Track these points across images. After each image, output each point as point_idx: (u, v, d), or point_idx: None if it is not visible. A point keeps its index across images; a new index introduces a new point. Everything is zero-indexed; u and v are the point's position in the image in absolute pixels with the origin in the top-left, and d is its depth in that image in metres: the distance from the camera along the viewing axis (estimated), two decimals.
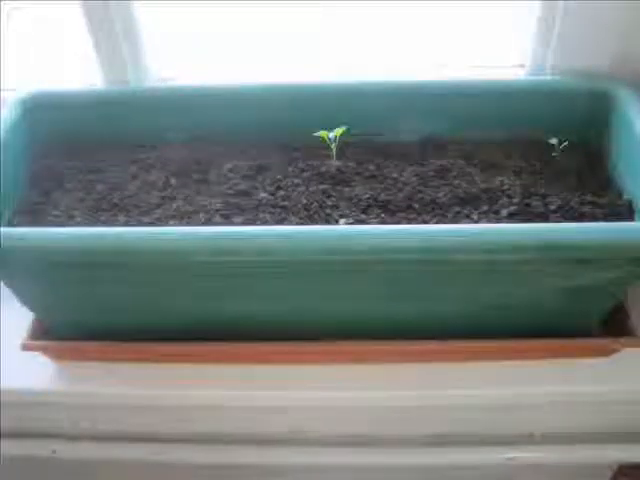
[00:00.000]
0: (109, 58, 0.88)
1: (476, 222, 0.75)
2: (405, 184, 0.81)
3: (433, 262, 0.67)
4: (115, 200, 0.81)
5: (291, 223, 0.75)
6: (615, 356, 0.81)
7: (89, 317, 0.79)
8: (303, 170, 0.83)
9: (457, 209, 0.77)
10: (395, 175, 0.83)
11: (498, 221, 0.75)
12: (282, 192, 0.80)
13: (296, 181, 0.82)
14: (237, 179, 0.83)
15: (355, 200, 0.79)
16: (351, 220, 0.75)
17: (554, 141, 0.84)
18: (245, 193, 0.80)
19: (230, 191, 0.81)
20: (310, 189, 0.80)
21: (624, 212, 0.76)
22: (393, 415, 0.90)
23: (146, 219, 0.78)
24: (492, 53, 0.95)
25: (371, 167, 0.84)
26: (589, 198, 0.78)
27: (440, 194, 0.79)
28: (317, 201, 0.78)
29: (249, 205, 0.78)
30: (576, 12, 0.82)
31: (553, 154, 0.84)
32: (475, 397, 0.82)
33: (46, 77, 0.97)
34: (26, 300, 0.78)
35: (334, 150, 0.83)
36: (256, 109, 0.87)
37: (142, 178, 0.84)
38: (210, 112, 0.88)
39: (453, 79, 0.88)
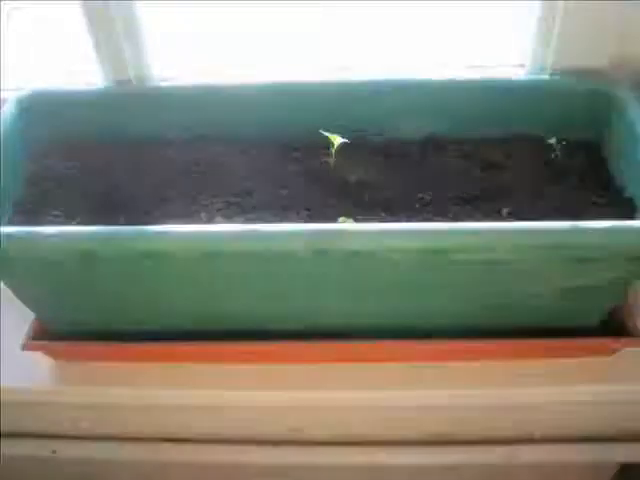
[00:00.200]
0: (109, 57, 0.88)
1: (476, 221, 0.75)
2: (405, 183, 0.81)
3: (432, 261, 0.67)
4: (115, 200, 0.81)
5: (292, 222, 0.75)
6: (615, 356, 0.81)
7: (89, 317, 0.79)
8: (303, 169, 0.83)
9: (457, 208, 0.77)
10: (395, 174, 0.83)
11: (499, 220, 0.75)
12: (283, 191, 0.80)
13: (297, 180, 0.82)
14: (237, 178, 0.83)
15: (355, 199, 0.79)
16: (351, 219, 0.75)
17: (554, 140, 0.84)
18: (246, 192, 0.80)
19: (231, 190, 0.81)
20: (310, 188, 0.80)
21: (624, 211, 0.76)
22: (393, 415, 0.90)
23: (146, 219, 0.78)
24: (492, 53, 0.95)
25: (371, 166, 0.84)
26: (589, 197, 0.78)
27: (440, 193, 0.79)
28: (318, 200, 0.78)
29: (250, 204, 0.78)
30: (576, 12, 0.82)
31: (553, 154, 0.84)
32: (475, 397, 0.81)
33: (46, 77, 0.97)
34: (26, 300, 0.78)
35: (332, 149, 0.83)
36: (257, 109, 0.87)
37: (142, 177, 0.84)
38: (210, 112, 0.88)
39: (453, 78, 0.87)
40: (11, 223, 0.79)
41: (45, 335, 0.81)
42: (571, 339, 0.78)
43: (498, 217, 0.75)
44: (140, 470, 1.02)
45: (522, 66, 0.91)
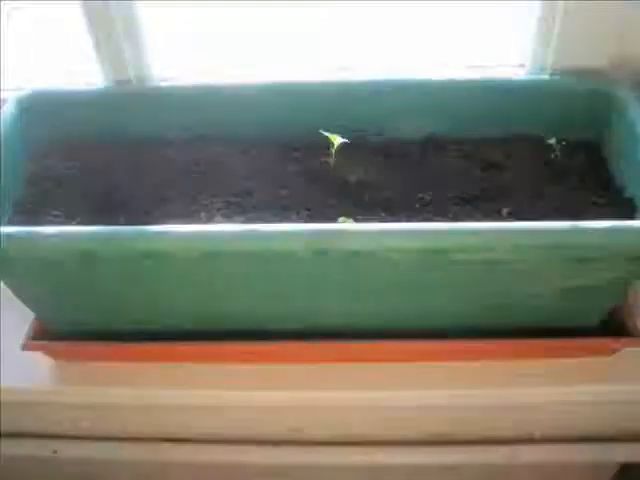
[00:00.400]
0: (109, 57, 0.88)
1: (476, 221, 0.75)
2: (405, 183, 0.81)
3: (432, 261, 0.67)
4: (115, 200, 0.81)
5: (292, 222, 0.75)
6: (615, 356, 0.81)
7: (89, 317, 0.79)
8: (304, 169, 0.83)
9: (457, 208, 0.77)
10: (395, 174, 0.83)
11: (499, 220, 0.75)
12: (283, 191, 0.80)
13: (297, 180, 0.82)
14: (238, 178, 0.83)
15: (355, 199, 0.79)
16: (351, 219, 0.75)
17: (554, 140, 0.84)
18: (246, 192, 0.81)
19: (231, 190, 0.81)
20: (311, 188, 0.80)
21: (624, 211, 0.76)
22: (393, 415, 0.90)
23: (146, 219, 0.78)
24: (492, 53, 0.95)
25: (371, 166, 0.84)
26: (589, 197, 0.78)
27: (440, 193, 0.79)
28: (318, 200, 0.78)
29: (250, 204, 0.78)
30: (576, 12, 0.82)
31: (553, 154, 0.84)
32: (475, 397, 0.81)
33: (46, 77, 0.97)
34: (26, 300, 0.78)
35: (331, 149, 0.83)
36: (257, 109, 0.87)
37: (142, 177, 0.84)
38: (210, 112, 0.88)
39: (453, 78, 0.87)
40: (11, 223, 0.79)
41: (45, 335, 0.81)
42: (571, 339, 0.78)
43: (498, 217, 0.75)
44: (140, 470, 1.02)
45: (522, 66, 0.91)
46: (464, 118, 0.87)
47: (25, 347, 0.79)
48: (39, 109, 0.87)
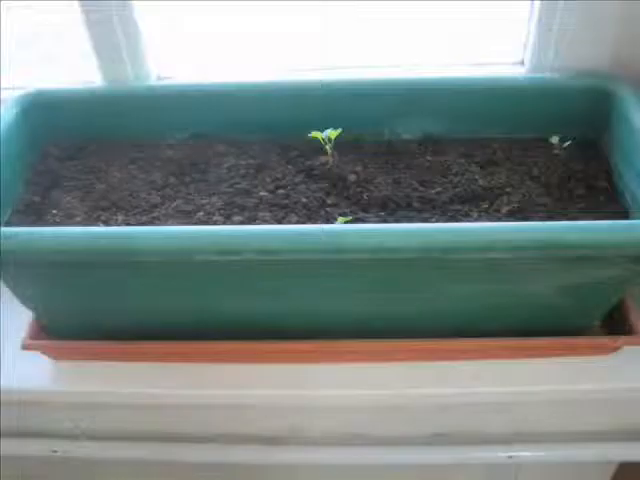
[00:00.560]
0: (109, 57, 0.88)
1: (476, 220, 0.75)
2: (405, 182, 0.81)
3: (432, 261, 0.67)
4: (115, 199, 0.81)
5: (291, 222, 0.75)
6: (615, 355, 0.81)
7: (89, 317, 0.79)
8: (303, 169, 0.83)
9: (457, 207, 0.77)
10: (395, 173, 0.83)
11: (498, 219, 0.75)
12: (282, 191, 0.80)
13: (296, 180, 0.82)
14: (237, 178, 0.83)
15: (355, 199, 0.79)
16: (351, 219, 0.75)
17: (554, 139, 0.84)
18: (245, 192, 0.80)
19: (230, 190, 0.81)
20: (310, 188, 0.80)
21: (624, 210, 0.76)
22: (393, 414, 0.90)
23: (146, 218, 0.78)
24: (492, 52, 0.95)
25: (370, 165, 0.84)
26: (589, 196, 0.78)
27: (440, 192, 0.79)
28: (317, 200, 0.78)
29: (249, 204, 0.78)
30: (576, 11, 0.82)
31: (553, 152, 0.84)
32: (475, 396, 0.81)
33: (46, 77, 0.97)
34: (26, 300, 0.78)
35: (330, 149, 0.83)
36: (256, 108, 0.87)
37: (142, 177, 0.84)
38: (210, 111, 0.88)
39: (453, 77, 0.87)
40: (11, 223, 0.79)
41: (45, 335, 0.81)
42: (571, 338, 0.78)
43: (498, 217, 0.75)
44: (140, 470, 1.02)
45: (522, 64, 0.91)
46: (464, 117, 0.87)
47: (25, 347, 0.79)
48: (39, 109, 0.87)
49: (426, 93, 0.86)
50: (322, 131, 0.82)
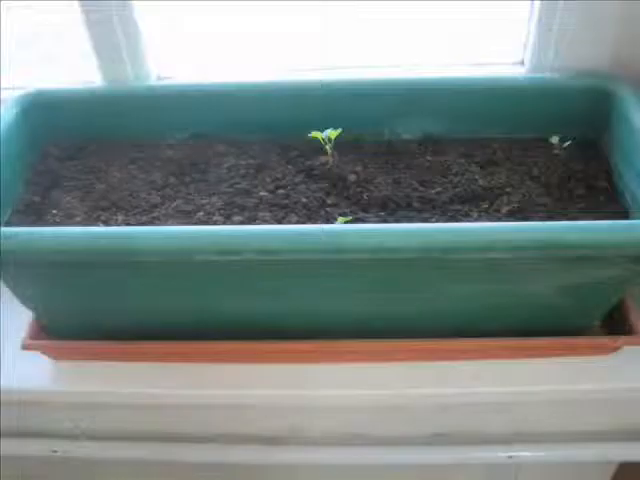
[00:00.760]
0: (109, 57, 0.88)
1: (476, 220, 0.75)
2: (405, 182, 0.81)
3: (432, 261, 0.67)
4: (114, 199, 0.81)
5: (291, 222, 0.75)
6: (615, 355, 0.81)
7: (89, 317, 0.79)
8: (303, 169, 0.83)
9: (457, 207, 0.77)
10: (395, 173, 0.83)
11: (498, 219, 0.75)
12: (282, 191, 0.80)
13: (296, 180, 0.82)
14: (237, 178, 0.83)
15: (355, 199, 0.79)
16: (351, 219, 0.75)
17: (554, 139, 0.84)
18: (245, 192, 0.81)
19: (230, 190, 0.81)
20: (310, 188, 0.80)
21: (624, 210, 0.76)
22: (393, 414, 0.90)
23: (146, 218, 0.78)
24: (492, 52, 0.95)
25: (371, 165, 0.84)
26: (589, 196, 0.78)
27: (440, 192, 0.79)
28: (317, 200, 0.78)
29: (249, 204, 0.78)
30: (576, 11, 0.82)
31: (553, 152, 0.84)
32: (475, 396, 0.81)
33: (46, 77, 0.97)
34: (26, 300, 0.78)
35: (330, 149, 0.83)
36: (256, 108, 0.87)
37: (141, 177, 0.84)
38: (210, 111, 0.88)
39: (453, 77, 0.87)
40: (11, 223, 0.79)
41: (45, 335, 0.81)
42: (571, 338, 0.78)
43: (498, 217, 0.75)
44: (140, 470, 1.02)
45: (522, 64, 0.91)
46: (464, 117, 0.87)
47: (25, 347, 0.79)
48: (39, 109, 0.87)
49: (426, 93, 0.86)
50: (322, 131, 0.82)
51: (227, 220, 0.76)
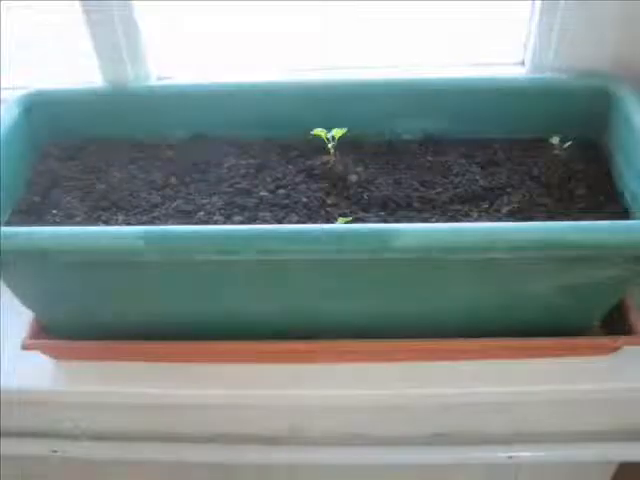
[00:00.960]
0: (109, 57, 0.88)
1: (476, 220, 0.75)
2: (405, 182, 0.81)
3: (432, 261, 0.67)
4: (115, 199, 0.81)
5: (291, 222, 0.75)
6: (615, 355, 0.81)
7: (89, 316, 0.79)
8: (303, 169, 0.83)
9: (457, 207, 0.77)
10: (395, 173, 0.83)
11: (498, 219, 0.75)
12: (282, 191, 0.80)
13: (296, 179, 0.82)
14: (237, 178, 0.83)
15: (355, 199, 0.79)
16: (351, 219, 0.75)
17: (554, 139, 0.84)
18: (245, 192, 0.81)
19: (230, 190, 0.81)
20: (310, 188, 0.80)
21: (624, 210, 0.76)
22: (393, 414, 0.90)
23: (146, 218, 0.78)
24: (492, 51, 0.95)
25: (371, 165, 0.84)
26: (589, 197, 0.78)
27: (440, 193, 0.79)
28: (317, 200, 0.79)
29: (249, 204, 0.78)
30: (576, 11, 0.82)
31: (553, 152, 0.84)
32: (475, 396, 0.81)
33: (46, 77, 0.97)
34: (26, 299, 0.78)
35: (332, 149, 0.83)
36: (256, 108, 0.87)
37: (142, 177, 0.84)
38: (210, 111, 0.88)
39: (453, 77, 0.87)
40: (11, 223, 0.79)
41: (45, 335, 0.81)
42: (571, 338, 0.78)
43: (498, 217, 0.75)
44: (140, 470, 1.02)
45: (522, 64, 0.91)
46: (464, 116, 0.87)
47: (25, 346, 0.79)
48: (39, 109, 0.87)
49: (426, 93, 0.86)
50: (322, 131, 0.82)
51: (227, 220, 0.76)
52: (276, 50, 0.97)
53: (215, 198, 0.80)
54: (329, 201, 0.78)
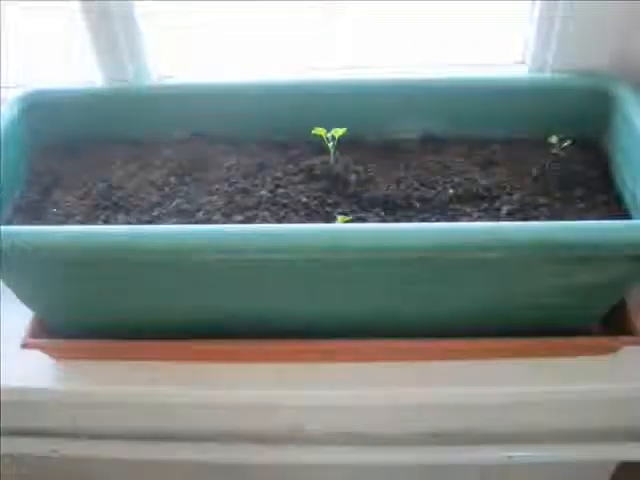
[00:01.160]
0: (109, 57, 0.88)
1: (476, 220, 0.75)
2: (405, 182, 0.81)
3: (432, 261, 0.67)
4: (115, 199, 0.81)
5: (291, 221, 0.75)
6: (615, 355, 0.81)
7: (89, 315, 0.79)
8: (303, 168, 0.83)
9: (457, 207, 0.77)
10: (395, 173, 0.83)
11: (498, 219, 0.75)
12: (282, 190, 0.80)
13: (296, 179, 0.82)
14: (237, 177, 0.83)
15: (355, 198, 0.79)
16: (350, 219, 0.75)
17: (554, 139, 0.84)
18: (245, 191, 0.81)
19: (230, 189, 0.81)
20: (310, 187, 0.80)
21: (624, 210, 0.76)
22: (393, 414, 0.90)
23: (146, 217, 0.78)
24: (492, 51, 0.95)
25: (371, 165, 0.84)
26: (589, 196, 0.78)
27: (440, 192, 0.79)
28: (317, 199, 0.79)
29: (249, 203, 0.78)
30: (576, 11, 0.82)
31: (553, 152, 0.84)
32: (475, 396, 0.81)
33: (46, 77, 0.97)
34: (26, 299, 0.78)
35: (332, 149, 0.83)
36: (256, 107, 0.87)
37: (142, 176, 0.84)
38: (210, 110, 0.88)
39: (453, 77, 0.87)
40: (11, 222, 0.79)
41: (45, 334, 0.81)
42: (571, 338, 0.78)
43: (497, 217, 0.75)
44: (140, 470, 1.02)
45: (523, 64, 0.91)
46: (464, 116, 0.87)
47: (25, 346, 0.79)
48: (39, 109, 0.87)
49: (426, 93, 0.86)
50: (322, 131, 0.82)
51: (227, 219, 0.76)
52: (276, 50, 0.97)
53: (215, 197, 0.80)
54: (329, 200, 0.79)
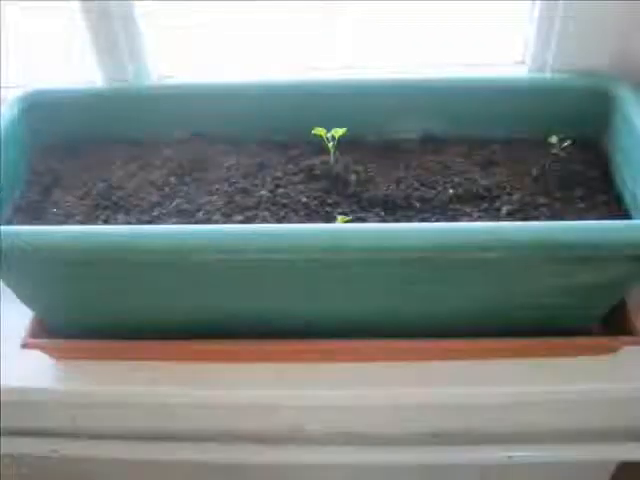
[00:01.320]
0: (109, 57, 0.88)
1: (476, 220, 0.75)
2: (405, 182, 0.81)
3: (432, 261, 0.67)
4: (115, 198, 0.81)
5: (291, 221, 0.75)
6: (615, 355, 0.81)
7: (89, 315, 0.79)
8: (303, 168, 0.83)
9: (457, 207, 0.77)
10: (395, 173, 0.83)
11: (498, 219, 0.75)
12: (282, 190, 0.80)
13: (296, 179, 0.82)
14: (237, 177, 0.83)
15: (355, 198, 0.79)
16: (351, 219, 0.75)
17: (554, 139, 0.84)
18: (245, 191, 0.81)
19: (230, 189, 0.81)
20: (310, 187, 0.80)
21: (624, 210, 0.76)
22: (393, 414, 0.90)
23: (146, 217, 0.78)
24: (492, 51, 0.95)
25: (371, 165, 0.84)
26: (589, 196, 0.78)
27: (440, 192, 0.79)
28: (317, 199, 0.79)
29: (249, 203, 0.78)
30: (576, 11, 0.82)
31: (553, 152, 0.84)
32: (475, 396, 0.81)
33: (46, 77, 0.97)
34: (26, 299, 0.78)
35: (332, 149, 0.83)
36: (256, 107, 0.87)
37: (141, 176, 0.84)
38: (210, 110, 0.88)
39: (453, 77, 0.88)
40: (11, 222, 0.79)
41: (45, 334, 0.81)
42: (571, 339, 0.78)
43: (497, 217, 0.75)
44: (140, 470, 1.02)
45: (523, 64, 0.91)
46: (464, 116, 0.87)
47: (25, 346, 0.79)
48: (39, 109, 0.87)
49: (426, 93, 0.86)
50: (322, 131, 0.82)
51: (227, 219, 0.76)
52: (276, 50, 0.97)
53: (215, 197, 0.80)
54: (329, 200, 0.79)
